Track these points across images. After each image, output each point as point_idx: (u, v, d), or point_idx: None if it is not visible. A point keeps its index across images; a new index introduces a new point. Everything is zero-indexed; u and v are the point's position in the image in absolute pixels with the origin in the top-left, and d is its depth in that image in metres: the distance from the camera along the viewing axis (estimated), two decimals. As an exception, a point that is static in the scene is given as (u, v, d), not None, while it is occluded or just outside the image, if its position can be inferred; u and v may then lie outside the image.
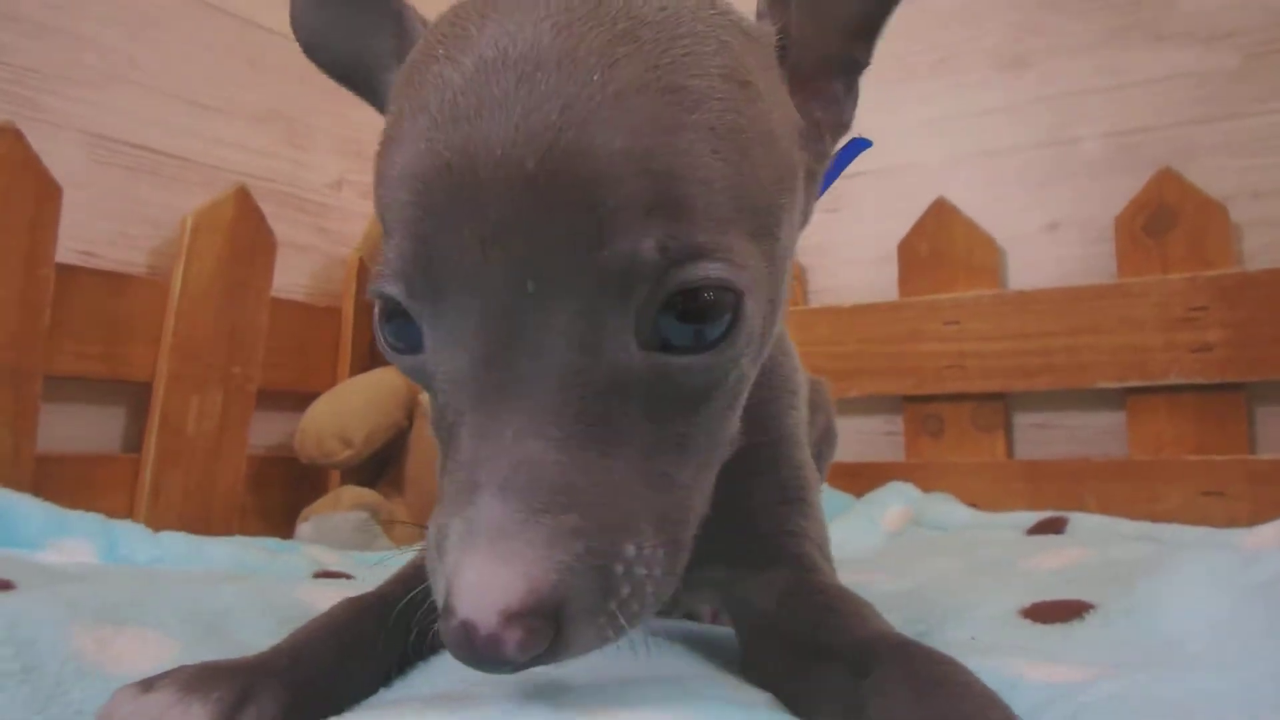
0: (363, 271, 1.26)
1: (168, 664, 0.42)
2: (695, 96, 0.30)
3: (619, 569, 0.28)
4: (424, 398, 1.14)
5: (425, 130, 0.29)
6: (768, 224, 0.33)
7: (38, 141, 0.93)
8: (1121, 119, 1.13)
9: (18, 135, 0.91)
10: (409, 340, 0.33)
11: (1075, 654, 0.47)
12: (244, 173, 1.17)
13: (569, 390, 0.29)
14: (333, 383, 1.22)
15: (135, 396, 1.04)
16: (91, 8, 1.03)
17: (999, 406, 1.14)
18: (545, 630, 0.26)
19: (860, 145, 0.49)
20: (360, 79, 0.44)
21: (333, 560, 0.81)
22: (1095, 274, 1.12)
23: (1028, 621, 0.54)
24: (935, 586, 0.68)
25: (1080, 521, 0.87)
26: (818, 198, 0.41)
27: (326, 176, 1.30)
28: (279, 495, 1.18)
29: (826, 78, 0.40)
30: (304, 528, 1.01)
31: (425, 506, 1.12)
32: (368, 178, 1.33)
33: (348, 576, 0.72)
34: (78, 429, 0.99)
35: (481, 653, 0.26)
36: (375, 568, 0.80)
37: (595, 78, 0.28)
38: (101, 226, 1.03)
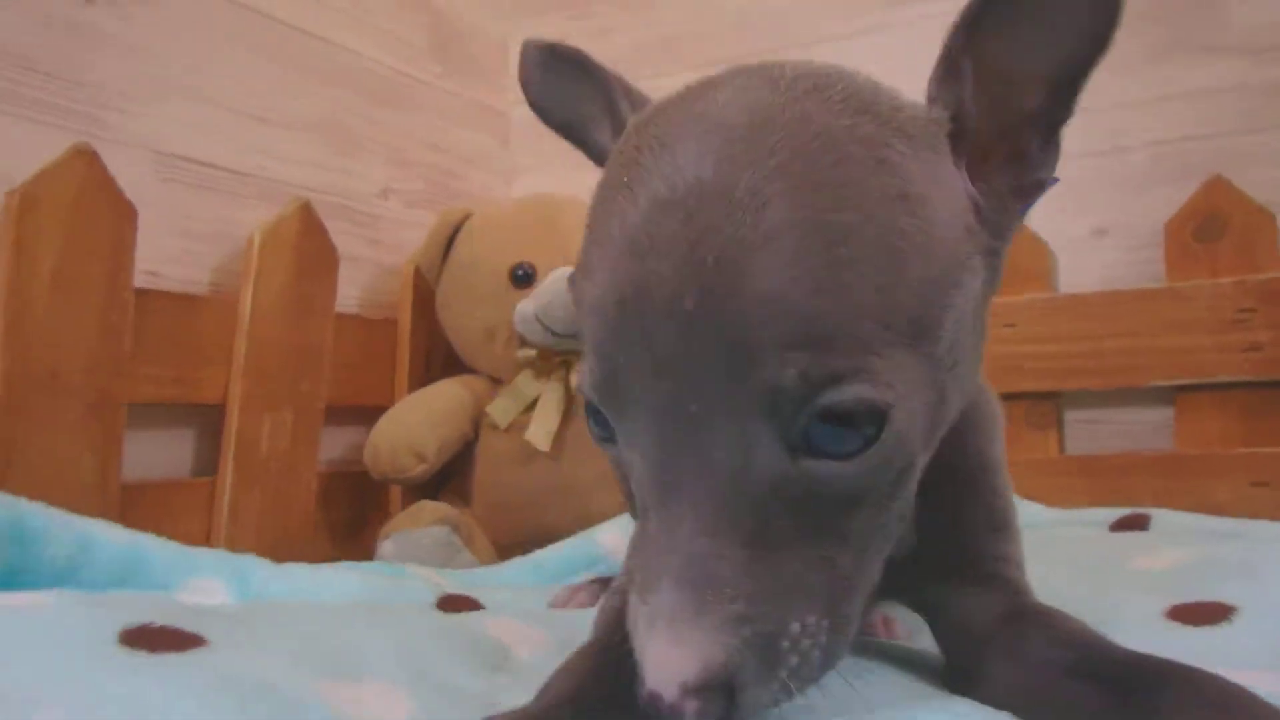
0: (419, 281, 1.24)
1: (410, 716, 0.43)
2: (845, 230, 0.32)
3: (785, 644, 0.33)
4: (490, 409, 1.14)
5: (610, 263, 0.34)
6: (925, 327, 0.34)
7: (106, 161, 0.91)
8: (1165, 129, 1.16)
9: (93, 157, 0.88)
10: (609, 431, 0.37)
11: (1254, 657, 0.49)
12: (294, 184, 1.15)
13: (731, 495, 0.33)
14: (392, 397, 1.20)
15: (205, 418, 1.03)
16: (145, 18, 1.00)
17: (1051, 405, 1.18)
18: (719, 699, 0.31)
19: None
20: (577, 135, 0.49)
21: (447, 584, 0.81)
22: (1142, 278, 1.16)
23: (1177, 624, 0.56)
24: (1051, 589, 0.70)
25: (1161, 518, 0.91)
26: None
27: (374, 186, 1.27)
28: (342, 512, 1.17)
29: (1018, 139, 0.39)
30: (386, 545, 1.01)
31: (493, 518, 1.12)
32: (414, 185, 1.31)
33: (477, 603, 0.72)
34: (150, 454, 0.98)
35: (667, 718, 0.31)
36: (498, 591, 0.81)
37: (748, 219, 0.32)
38: (165, 245, 1.00)
